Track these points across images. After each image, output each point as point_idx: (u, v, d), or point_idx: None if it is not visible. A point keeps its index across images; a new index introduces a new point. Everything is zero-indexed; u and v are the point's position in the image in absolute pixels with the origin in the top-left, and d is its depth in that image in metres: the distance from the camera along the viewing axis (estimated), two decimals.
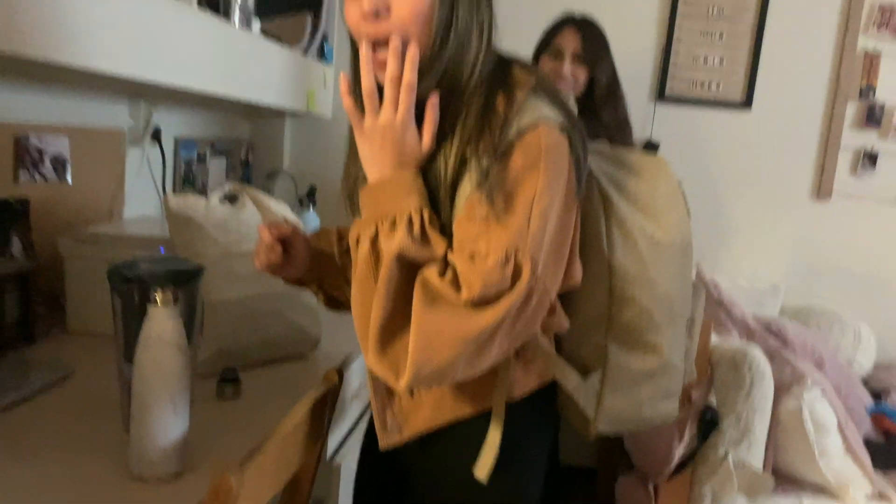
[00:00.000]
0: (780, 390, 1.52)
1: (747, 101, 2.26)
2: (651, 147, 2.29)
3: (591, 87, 1.80)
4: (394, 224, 0.81)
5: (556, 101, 0.87)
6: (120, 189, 1.72)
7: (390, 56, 0.81)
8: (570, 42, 1.79)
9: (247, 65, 1.75)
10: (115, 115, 1.71)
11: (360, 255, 0.83)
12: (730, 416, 1.50)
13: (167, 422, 0.86)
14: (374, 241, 0.82)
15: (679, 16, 2.25)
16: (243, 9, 1.86)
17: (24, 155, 1.40)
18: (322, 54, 2.28)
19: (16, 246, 1.40)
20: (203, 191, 2.13)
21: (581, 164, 0.87)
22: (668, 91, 2.29)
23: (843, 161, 2.25)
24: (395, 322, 0.80)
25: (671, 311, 0.96)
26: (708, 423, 1.48)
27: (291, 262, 1.06)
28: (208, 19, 1.54)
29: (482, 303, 0.77)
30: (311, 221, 2.15)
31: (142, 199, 1.83)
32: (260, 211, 1.38)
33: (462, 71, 0.85)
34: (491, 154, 0.80)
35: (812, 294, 2.29)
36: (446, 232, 0.84)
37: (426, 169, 0.86)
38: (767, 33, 2.22)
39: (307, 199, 2.24)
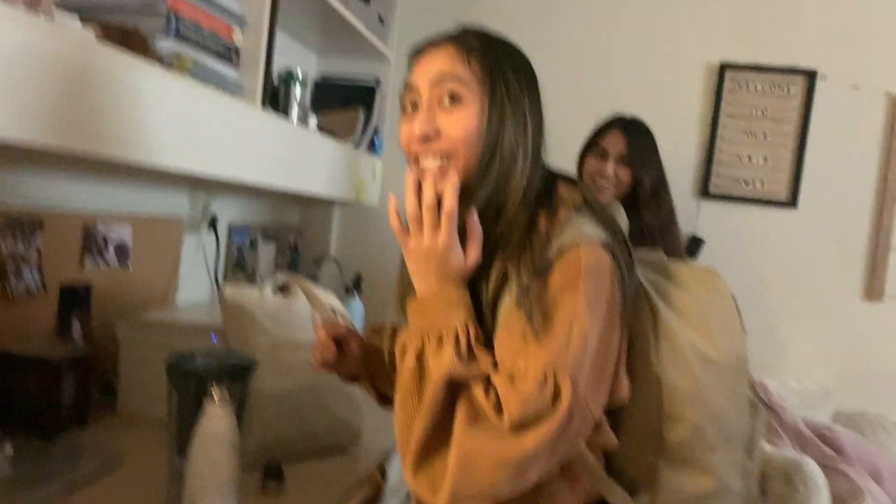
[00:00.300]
0: None
1: (793, 200, 2.25)
2: (696, 243, 2.29)
3: (635, 187, 1.82)
4: (440, 340, 0.82)
5: (602, 217, 0.89)
6: (174, 275, 1.78)
7: (426, 184, 0.86)
8: (615, 144, 1.83)
9: (303, 158, 1.82)
10: (175, 203, 1.79)
11: (406, 368, 0.83)
12: None
13: None
14: (420, 356, 0.83)
15: (723, 114, 2.29)
16: (301, 105, 1.96)
17: (91, 242, 1.47)
18: (373, 147, 2.36)
19: (76, 330, 1.45)
20: (252, 276, 2.18)
21: (626, 281, 0.87)
22: (712, 188, 2.30)
23: (894, 262, 2.22)
24: (437, 439, 0.79)
25: (726, 431, 0.93)
26: None
27: (345, 359, 1.09)
28: (270, 118, 1.62)
29: (523, 426, 0.76)
30: (356, 309, 2.18)
31: (194, 285, 1.89)
32: (311, 302, 1.41)
33: (508, 190, 0.88)
34: (531, 272, 0.82)
35: (865, 398, 2.21)
36: (490, 346, 0.85)
37: (471, 283, 0.88)
38: (812, 134, 2.24)
39: (353, 287, 2.28)
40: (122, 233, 1.56)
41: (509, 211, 0.88)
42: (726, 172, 2.31)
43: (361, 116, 2.31)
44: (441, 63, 0.90)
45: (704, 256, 2.28)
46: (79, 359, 1.32)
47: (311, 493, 1.19)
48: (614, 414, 0.93)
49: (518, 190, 0.88)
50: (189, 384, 0.96)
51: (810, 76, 2.23)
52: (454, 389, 0.80)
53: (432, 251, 0.86)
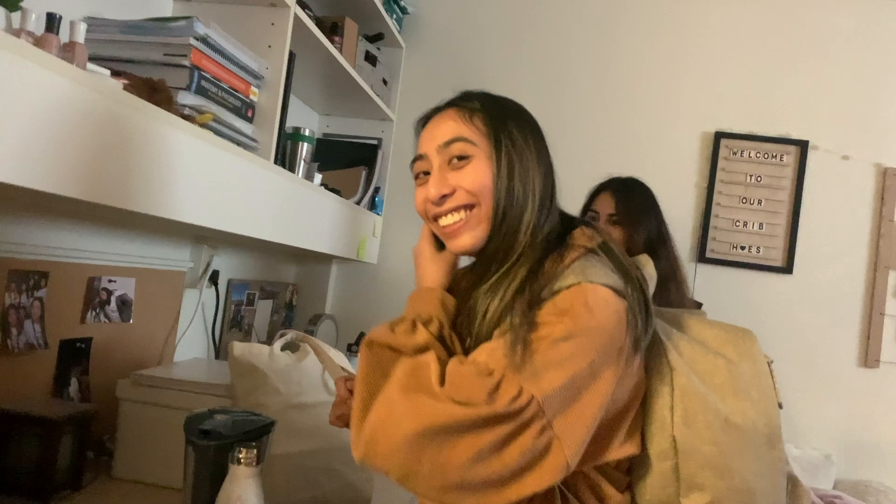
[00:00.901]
0: None
1: (788, 266, 2.29)
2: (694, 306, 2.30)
3: (629, 246, 1.81)
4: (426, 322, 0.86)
5: (619, 264, 0.88)
6: (174, 330, 1.73)
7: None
8: (605, 205, 1.84)
9: (308, 214, 1.82)
10: (177, 257, 1.76)
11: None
12: None
13: None
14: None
15: (718, 181, 2.34)
16: (307, 161, 1.96)
17: (94, 296, 1.43)
18: (373, 205, 2.37)
19: (73, 386, 1.40)
20: (248, 333, 2.14)
21: (638, 329, 0.84)
22: (708, 252, 2.33)
23: (889, 329, 2.24)
24: (371, 398, 0.79)
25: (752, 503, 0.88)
26: None
27: None
28: (282, 174, 1.62)
29: (451, 398, 0.74)
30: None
31: (192, 341, 1.84)
32: (321, 360, 1.38)
33: (518, 231, 0.90)
34: (524, 310, 0.81)
35: (866, 465, 2.20)
36: None
37: (472, 309, 0.88)
38: (805, 202, 2.29)
39: (356, 345, 2.24)
40: (125, 286, 1.52)
41: (519, 248, 0.89)
42: (722, 237, 2.34)
43: (363, 174, 2.32)
44: (446, 127, 0.93)
45: None
46: (77, 418, 1.26)
47: None
48: (631, 473, 0.90)
49: (526, 234, 0.90)
50: (208, 444, 0.91)
51: (802, 146, 2.29)
52: (387, 357, 0.82)
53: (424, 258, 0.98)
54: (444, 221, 0.94)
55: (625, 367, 0.83)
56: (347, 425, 1.06)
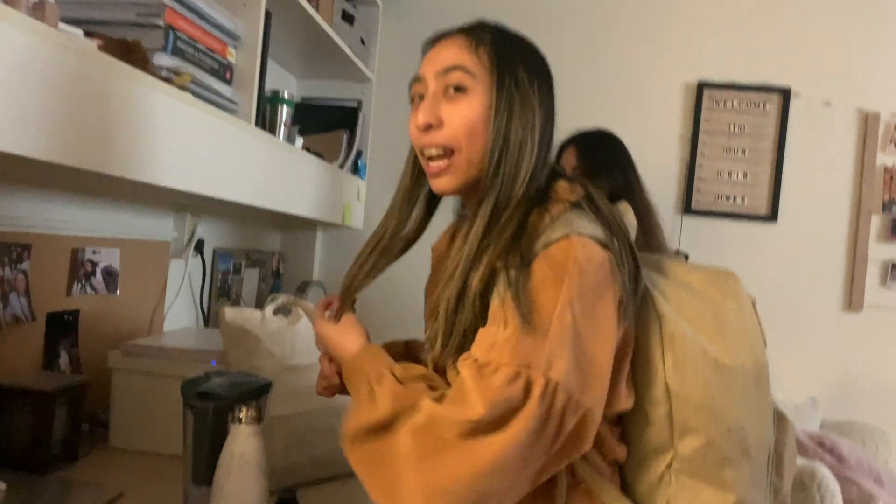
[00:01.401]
0: None
1: (773, 215, 2.30)
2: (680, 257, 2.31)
3: None
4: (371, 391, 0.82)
5: (604, 216, 0.86)
6: (162, 300, 1.71)
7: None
8: (569, 160, 1.81)
9: (292, 179, 1.79)
10: (161, 227, 1.73)
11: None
12: None
13: None
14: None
15: (701, 132, 2.34)
16: (287, 126, 1.93)
17: (79, 267, 1.41)
18: (356, 169, 2.34)
19: (63, 359, 1.38)
20: (237, 302, 2.12)
21: (626, 280, 0.83)
22: (694, 204, 2.34)
23: (873, 273, 2.27)
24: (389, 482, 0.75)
25: (745, 444, 0.89)
26: None
27: None
28: (264, 137, 1.59)
29: (491, 426, 0.71)
30: None
31: (180, 311, 1.82)
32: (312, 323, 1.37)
33: (516, 179, 0.86)
34: (518, 266, 0.79)
35: (851, 407, 2.24)
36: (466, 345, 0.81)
37: (460, 279, 0.84)
38: (788, 150, 2.30)
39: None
40: (110, 257, 1.50)
41: (511, 206, 0.85)
42: (707, 188, 2.35)
43: (345, 138, 2.29)
44: (449, 54, 0.89)
45: None
46: (70, 390, 1.25)
47: None
48: (624, 424, 0.91)
49: (524, 183, 0.86)
50: (206, 406, 0.91)
51: (785, 94, 2.29)
52: (378, 437, 0.77)
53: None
54: (428, 153, 0.90)
55: (623, 319, 0.83)
56: (334, 395, 1.06)
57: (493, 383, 0.72)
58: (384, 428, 0.76)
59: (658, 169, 2.35)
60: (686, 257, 2.31)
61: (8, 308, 1.23)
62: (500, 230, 0.83)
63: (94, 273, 1.46)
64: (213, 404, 0.90)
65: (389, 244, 0.96)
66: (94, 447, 1.32)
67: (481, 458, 0.70)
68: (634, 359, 0.89)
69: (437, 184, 0.91)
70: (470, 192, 0.91)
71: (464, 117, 0.87)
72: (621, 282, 0.82)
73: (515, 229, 0.83)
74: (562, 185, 0.89)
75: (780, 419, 0.99)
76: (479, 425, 0.70)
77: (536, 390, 0.71)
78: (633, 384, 0.90)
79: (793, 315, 2.31)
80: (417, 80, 0.92)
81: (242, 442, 0.81)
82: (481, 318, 0.81)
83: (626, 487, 0.92)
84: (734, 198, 2.33)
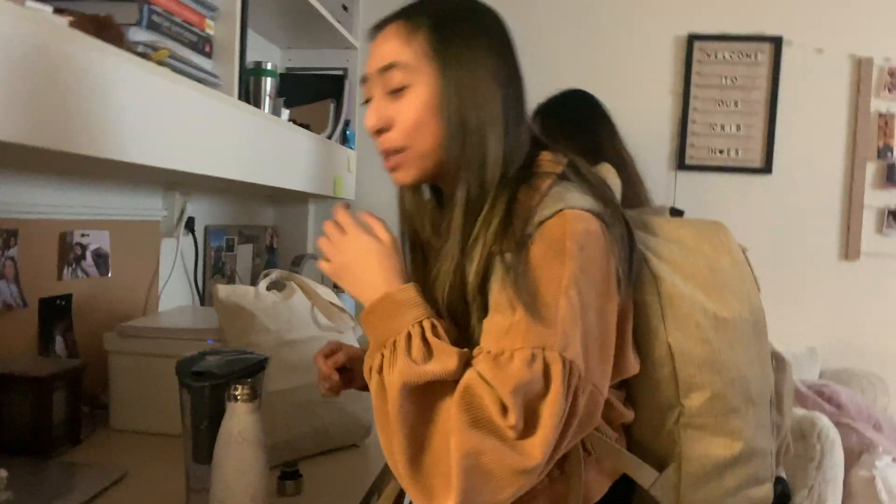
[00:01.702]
0: (849, 459, 1.47)
1: (767, 167, 2.29)
2: (675, 215, 2.30)
3: None
4: (394, 348, 0.75)
5: (591, 185, 0.84)
6: (155, 280, 1.70)
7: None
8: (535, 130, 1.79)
9: (280, 152, 1.77)
10: (150, 206, 1.71)
11: (372, 389, 0.76)
12: (801, 489, 1.44)
13: None
14: (381, 372, 0.75)
15: (693, 86, 2.31)
16: (272, 98, 1.90)
17: (68, 251, 1.39)
18: (345, 139, 2.31)
19: (58, 344, 1.38)
20: (231, 279, 2.11)
21: (622, 249, 0.82)
22: (687, 159, 2.32)
23: (868, 220, 2.27)
24: (422, 444, 0.72)
25: (749, 393, 0.91)
26: (780, 497, 1.41)
27: (353, 377, 1.04)
28: (248, 110, 1.56)
29: (527, 425, 0.69)
30: (348, 302, 2.13)
31: (174, 290, 1.81)
32: (308, 297, 1.36)
33: (487, 167, 0.82)
34: (514, 249, 0.77)
35: (849, 355, 2.26)
36: (473, 339, 0.79)
37: (452, 274, 0.82)
38: (781, 100, 2.27)
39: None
40: (99, 239, 1.48)
41: (490, 189, 0.81)
42: (700, 143, 2.33)
43: (332, 108, 2.25)
44: (385, 49, 0.85)
45: None
46: (67, 373, 1.24)
47: (330, 491, 1.14)
48: (629, 386, 0.91)
49: (497, 165, 0.82)
50: (202, 385, 0.90)
51: (776, 42, 2.26)
52: (425, 396, 0.73)
53: (357, 251, 0.82)
54: (392, 160, 0.88)
55: (621, 287, 0.82)
56: (339, 393, 1.05)
57: (511, 371, 0.70)
58: (440, 385, 0.72)
59: (650, 125, 2.34)
60: (681, 213, 2.31)
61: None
62: (487, 218, 0.80)
63: (84, 256, 1.44)
64: (209, 383, 0.89)
65: None
66: (96, 429, 1.32)
67: (523, 460, 0.69)
68: (635, 322, 0.89)
69: (395, 178, 0.89)
70: (443, 179, 0.89)
71: (410, 115, 0.83)
72: (617, 250, 0.81)
73: (504, 213, 0.80)
74: (545, 158, 0.86)
75: (777, 360, 1.01)
76: (518, 430, 0.69)
77: (556, 369, 0.70)
78: (635, 348, 0.90)
79: (790, 266, 2.31)
80: (364, 80, 0.90)
81: (239, 419, 0.81)
82: (483, 310, 0.79)
83: (634, 446, 0.93)
84: (728, 151, 2.31)
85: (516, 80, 0.87)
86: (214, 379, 0.89)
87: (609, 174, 0.97)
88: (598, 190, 0.84)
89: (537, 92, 1.97)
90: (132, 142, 1.12)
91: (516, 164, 0.84)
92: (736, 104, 2.30)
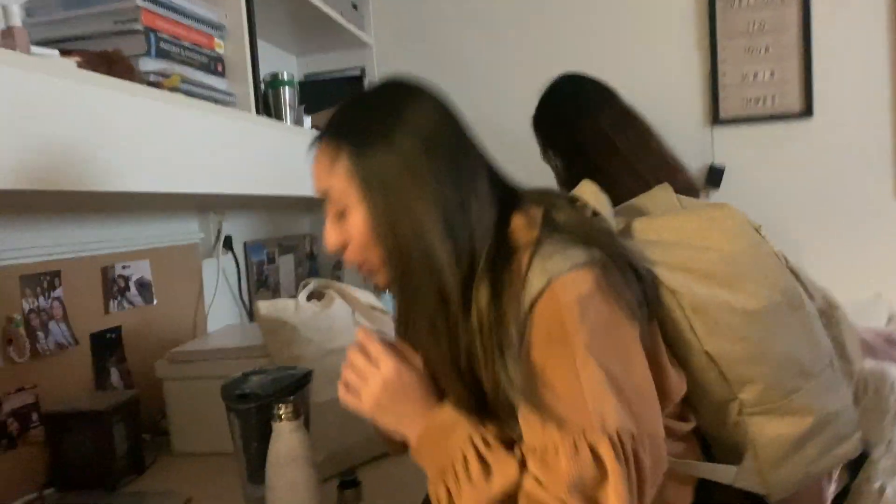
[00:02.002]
0: None
1: (807, 110, 2.18)
2: (716, 173, 2.23)
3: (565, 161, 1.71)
4: (457, 477, 0.75)
5: (572, 234, 0.79)
6: (201, 302, 1.73)
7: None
8: (538, 142, 1.75)
9: (305, 161, 1.76)
10: (187, 230, 1.74)
11: None
12: (879, 445, 1.38)
13: None
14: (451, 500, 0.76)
15: (719, 37, 2.22)
16: (293, 108, 1.90)
17: (112, 285, 1.42)
18: None
19: (114, 376, 1.41)
20: (277, 291, 2.13)
21: (626, 281, 0.78)
22: (722, 113, 2.23)
23: None
24: None
25: (803, 370, 0.86)
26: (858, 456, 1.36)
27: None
28: (269, 124, 1.56)
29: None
30: (388, 304, 2.12)
31: (222, 309, 1.84)
32: (348, 303, 1.36)
33: (439, 273, 0.77)
34: (515, 344, 0.74)
35: None
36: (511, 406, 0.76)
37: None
38: (815, 40, 2.16)
39: None
40: (140, 269, 1.51)
41: (454, 290, 0.77)
42: (734, 95, 2.23)
43: None
44: (318, 175, 0.86)
45: (726, 184, 2.22)
46: (126, 404, 1.27)
47: (391, 495, 1.14)
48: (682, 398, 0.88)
49: (450, 266, 0.77)
50: (249, 407, 0.90)
51: None
52: None
53: (386, 385, 0.80)
54: (364, 269, 0.88)
55: (642, 325, 0.79)
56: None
57: (560, 468, 0.69)
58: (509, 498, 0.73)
59: (679, 83, 2.26)
60: (721, 172, 2.23)
61: (49, 336, 1.24)
62: (482, 320, 0.77)
63: (127, 287, 1.47)
64: (254, 405, 0.89)
65: None
66: (159, 456, 1.35)
67: None
68: (669, 339, 0.86)
69: (375, 284, 0.89)
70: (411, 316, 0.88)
71: (355, 237, 0.82)
72: (620, 286, 0.77)
73: (491, 302, 0.77)
74: (516, 226, 0.81)
75: (826, 314, 0.95)
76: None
77: (604, 448, 0.69)
78: (676, 366, 0.87)
79: (843, 211, 2.20)
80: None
81: (286, 439, 0.81)
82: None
83: (712, 445, 0.91)
84: (763, 99, 2.22)
85: (457, 164, 0.81)
86: (259, 400, 0.89)
87: (588, 192, 0.89)
88: (583, 233, 0.80)
89: (557, 58, 1.93)
90: (158, 172, 1.12)
91: (482, 246, 0.79)
92: (766, 50, 2.20)
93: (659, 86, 2.21)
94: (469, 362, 0.78)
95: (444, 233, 0.77)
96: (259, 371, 1.00)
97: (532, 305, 0.74)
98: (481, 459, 0.74)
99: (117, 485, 1.22)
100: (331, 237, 0.85)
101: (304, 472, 0.80)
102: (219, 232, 1.83)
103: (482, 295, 0.76)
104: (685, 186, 1.69)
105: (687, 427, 0.88)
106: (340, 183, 0.81)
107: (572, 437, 0.70)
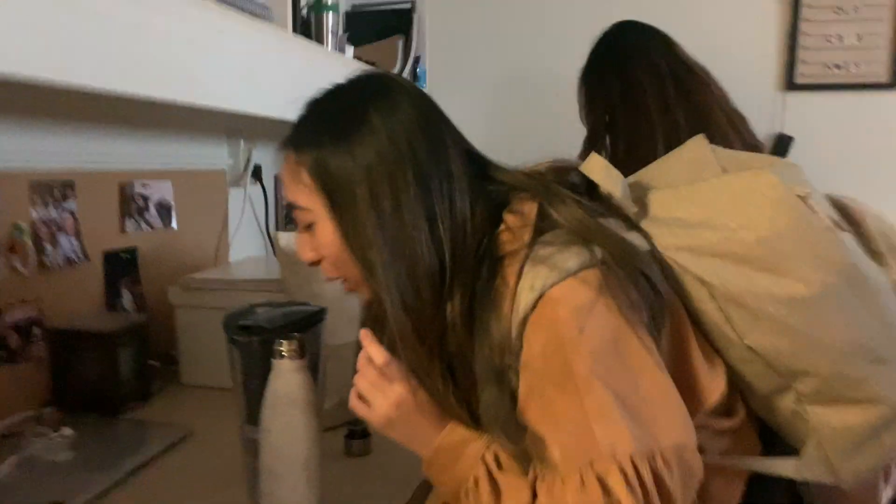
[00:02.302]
0: None
1: (894, 80, 1.99)
2: (784, 142, 2.05)
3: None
4: (467, 495, 0.69)
5: (576, 229, 0.69)
6: (224, 231, 1.66)
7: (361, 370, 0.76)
8: (579, 101, 1.58)
9: None
10: (214, 156, 1.66)
11: None
12: None
13: (300, 494, 0.74)
14: None
15: None
16: (335, 34, 1.79)
17: (130, 203, 1.35)
18: (416, 77, 2.18)
19: (126, 298, 1.35)
20: None
21: (634, 279, 0.68)
22: (798, 77, 2.05)
23: None
24: None
25: (873, 356, 0.73)
26: None
27: None
28: (307, 46, 1.46)
29: None
30: None
31: (246, 241, 1.77)
32: None
33: (418, 290, 0.70)
34: (511, 364, 0.67)
35: None
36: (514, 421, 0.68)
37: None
38: None
39: None
40: (162, 190, 1.44)
41: (428, 314, 0.71)
42: (813, 58, 2.04)
43: (400, 45, 2.12)
44: (285, 183, 0.78)
45: (793, 155, 2.05)
46: (135, 329, 1.21)
47: (398, 450, 1.06)
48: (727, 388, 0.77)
49: (425, 285, 0.70)
50: (252, 341, 0.82)
51: None
52: None
53: (400, 404, 0.73)
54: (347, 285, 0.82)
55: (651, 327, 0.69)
56: None
57: (567, 499, 0.61)
58: None
59: (751, 39, 2.07)
60: (790, 140, 2.05)
61: (58, 249, 1.18)
62: (484, 340, 0.69)
63: (147, 208, 1.40)
64: (257, 338, 0.81)
65: None
66: (166, 386, 1.29)
67: None
68: (701, 338, 0.75)
69: (359, 298, 0.83)
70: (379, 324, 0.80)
71: (327, 251, 0.76)
72: (627, 285, 0.67)
73: (487, 333, 0.69)
74: (507, 228, 0.71)
75: None
76: None
77: (614, 479, 0.60)
78: (713, 361, 0.76)
79: None
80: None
81: (286, 379, 0.72)
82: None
83: (767, 437, 0.81)
84: (847, 65, 2.02)
85: (434, 167, 0.71)
86: (262, 333, 0.81)
87: (597, 169, 0.77)
88: (582, 229, 0.69)
89: (613, 5, 1.77)
90: (189, 82, 1.03)
91: (463, 257, 0.70)
92: (856, 9, 2.00)
93: (727, 40, 2.01)
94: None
95: (421, 245, 0.69)
96: (269, 303, 0.92)
97: (524, 322, 0.65)
98: (492, 482, 0.67)
99: (119, 410, 1.16)
100: (304, 251, 0.79)
101: (303, 417, 0.72)
102: (248, 160, 1.74)
103: (456, 315, 0.70)
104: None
105: (731, 422, 0.77)
106: (305, 196, 0.74)
107: (578, 470, 0.61)
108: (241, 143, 1.72)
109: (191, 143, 1.56)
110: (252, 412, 0.82)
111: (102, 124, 1.30)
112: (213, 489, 0.92)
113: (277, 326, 0.82)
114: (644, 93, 1.49)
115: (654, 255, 0.75)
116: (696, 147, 0.86)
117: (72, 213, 1.21)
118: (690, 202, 0.77)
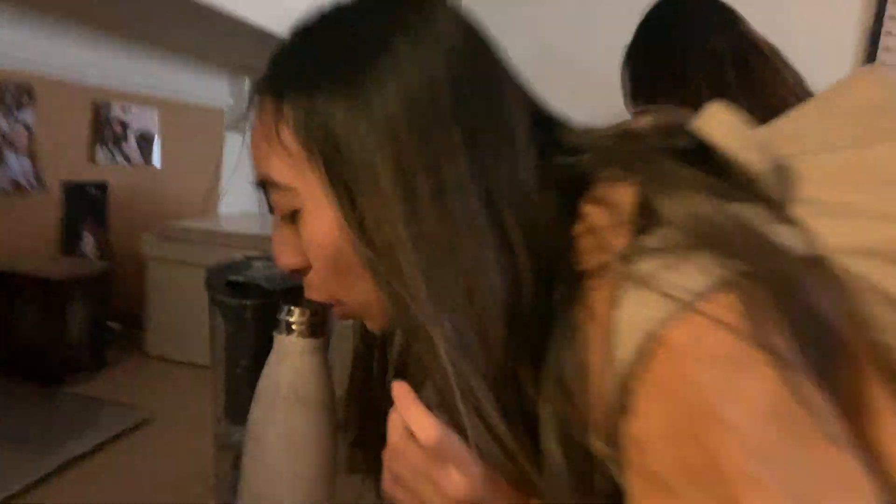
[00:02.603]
0: None
1: None
2: None
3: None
4: None
5: (698, 230, 0.42)
6: (216, 177, 1.42)
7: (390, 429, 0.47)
8: (624, 84, 1.35)
9: None
10: (214, 91, 1.42)
11: None
12: None
13: None
14: None
15: None
16: None
17: (104, 128, 1.11)
18: None
19: (88, 243, 1.10)
20: None
21: (797, 308, 0.41)
22: (880, 61, 1.84)
23: None
24: None
25: None
26: None
27: None
28: None
29: None
30: None
31: (240, 194, 1.53)
32: None
33: (491, 307, 0.45)
34: (609, 435, 0.42)
35: None
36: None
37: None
38: None
39: None
40: (145, 119, 1.19)
41: (497, 341, 0.45)
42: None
43: None
44: (254, 154, 0.51)
45: None
46: (94, 280, 0.98)
47: None
48: None
49: (494, 302, 0.45)
50: (244, 306, 0.58)
51: None
52: None
53: (463, 501, 0.46)
54: (338, 308, 0.54)
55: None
56: None
57: None
58: None
59: (827, 24, 1.85)
60: None
61: (4, 169, 0.93)
62: (548, 404, 0.45)
63: (124, 137, 1.15)
64: (251, 301, 0.57)
65: None
66: (126, 354, 1.05)
67: None
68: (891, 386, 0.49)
69: (369, 326, 0.54)
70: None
71: (317, 261, 0.49)
72: (783, 312, 0.40)
73: (556, 382, 0.45)
74: (585, 239, 0.45)
75: None
76: None
77: None
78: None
79: None
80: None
81: (293, 363, 0.49)
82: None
83: None
84: None
85: (489, 126, 0.46)
86: (261, 296, 0.57)
87: (719, 126, 0.48)
88: (708, 229, 0.43)
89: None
90: None
91: (524, 269, 0.46)
92: None
93: (800, 28, 1.81)
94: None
95: (482, 248, 0.44)
96: (266, 257, 0.68)
97: (628, 379, 0.40)
98: None
99: (64, 380, 0.92)
100: (283, 254, 0.51)
101: (316, 421, 0.48)
102: (251, 103, 1.50)
103: (559, 347, 0.43)
104: None
105: None
106: (286, 167, 0.48)
107: None
108: (247, 82, 1.49)
109: (187, 70, 1.32)
110: (235, 405, 0.58)
111: (80, 23, 1.05)
112: (171, 490, 0.70)
113: (281, 288, 0.57)
114: (698, 77, 1.27)
115: (820, 262, 0.49)
116: (870, 83, 0.60)
117: (26, 127, 0.96)
118: (870, 177, 0.53)
